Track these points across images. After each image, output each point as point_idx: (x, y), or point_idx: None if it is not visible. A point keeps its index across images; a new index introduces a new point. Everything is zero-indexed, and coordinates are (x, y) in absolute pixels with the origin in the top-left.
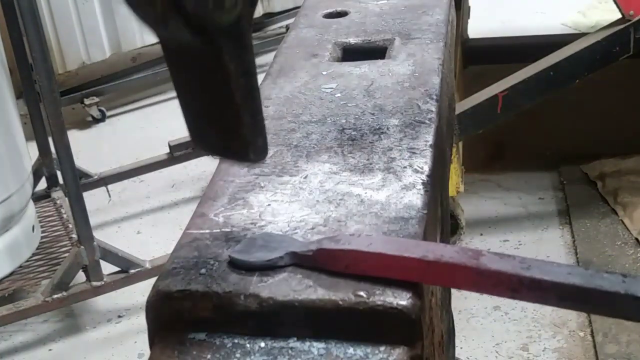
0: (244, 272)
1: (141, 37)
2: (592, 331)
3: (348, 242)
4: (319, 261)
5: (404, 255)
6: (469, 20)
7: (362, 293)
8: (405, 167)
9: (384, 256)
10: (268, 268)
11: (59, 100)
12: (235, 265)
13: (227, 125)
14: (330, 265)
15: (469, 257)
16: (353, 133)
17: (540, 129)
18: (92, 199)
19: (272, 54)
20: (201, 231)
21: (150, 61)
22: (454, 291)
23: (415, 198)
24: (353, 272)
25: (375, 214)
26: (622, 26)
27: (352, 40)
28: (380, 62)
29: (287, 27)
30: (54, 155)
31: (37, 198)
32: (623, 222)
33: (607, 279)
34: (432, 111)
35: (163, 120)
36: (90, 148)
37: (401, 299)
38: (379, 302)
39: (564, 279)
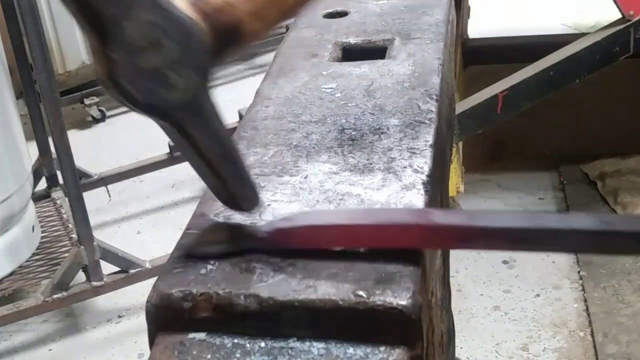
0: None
1: None
2: (592, 331)
3: (301, 219)
4: (275, 241)
5: (356, 223)
6: (469, 20)
7: (362, 293)
8: (405, 167)
9: (338, 227)
10: (225, 255)
11: (59, 100)
12: (193, 256)
13: (215, 182)
14: (286, 243)
15: (419, 216)
16: (353, 133)
17: (540, 129)
18: (92, 199)
19: (272, 54)
20: None
21: None
22: (454, 291)
23: (415, 198)
24: (309, 247)
25: None
26: (622, 26)
27: (352, 40)
28: (380, 62)
29: (287, 27)
30: (54, 155)
31: (37, 198)
32: None
33: (548, 218)
34: (432, 111)
35: None
36: (90, 148)
37: (401, 299)
38: (379, 302)
39: (509, 224)
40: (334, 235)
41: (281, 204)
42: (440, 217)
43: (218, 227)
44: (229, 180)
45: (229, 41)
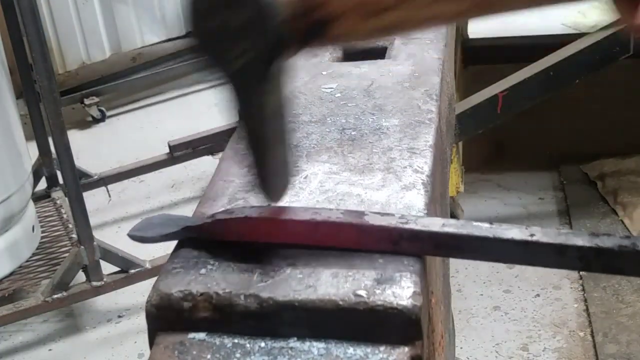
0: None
1: (141, 37)
2: (592, 331)
3: (241, 213)
4: (215, 232)
5: (292, 218)
6: (469, 20)
7: (362, 293)
8: (405, 167)
9: (274, 221)
10: (166, 240)
11: (59, 100)
12: (133, 238)
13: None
14: (225, 235)
15: (353, 216)
16: (353, 133)
17: (540, 129)
18: (92, 199)
19: None
20: None
21: (150, 61)
22: (454, 291)
23: (415, 198)
24: (247, 239)
25: None
26: (622, 26)
27: None
28: (380, 62)
29: None
30: (54, 155)
31: (37, 198)
32: (623, 222)
33: (476, 226)
34: (432, 111)
35: (163, 120)
36: (90, 148)
37: (401, 299)
38: (379, 302)
39: (438, 229)
40: (270, 229)
41: (281, 204)
42: (373, 218)
43: (161, 217)
44: (267, 165)
45: (315, 30)
